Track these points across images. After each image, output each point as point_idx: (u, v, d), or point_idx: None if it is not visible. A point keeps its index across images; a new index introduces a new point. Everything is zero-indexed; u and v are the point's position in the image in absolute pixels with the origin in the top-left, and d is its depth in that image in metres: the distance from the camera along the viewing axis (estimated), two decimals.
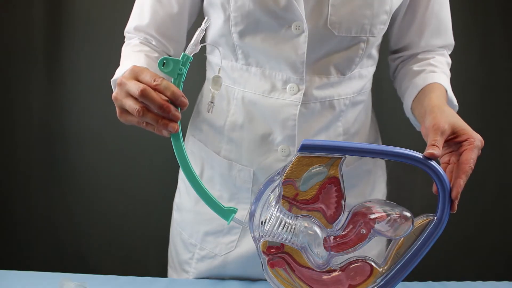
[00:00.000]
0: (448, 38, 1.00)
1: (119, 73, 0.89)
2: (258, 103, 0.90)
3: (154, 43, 0.95)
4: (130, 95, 0.69)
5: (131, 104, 0.69)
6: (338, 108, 0.92)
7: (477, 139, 0.74)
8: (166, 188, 1.26)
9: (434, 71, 0.95)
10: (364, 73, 0.95)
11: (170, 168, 1.23)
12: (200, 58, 1.02)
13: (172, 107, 0.68)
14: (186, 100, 0.69)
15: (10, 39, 1.60)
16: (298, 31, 0.84)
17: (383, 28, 0.89)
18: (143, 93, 0.67)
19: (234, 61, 0.91)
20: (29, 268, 0.94)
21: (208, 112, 0.73)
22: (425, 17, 0.95)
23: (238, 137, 0.94)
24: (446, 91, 0.91)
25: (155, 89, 0.68)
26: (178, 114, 0.69)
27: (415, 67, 0.98)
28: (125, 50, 0.96)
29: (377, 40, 0.91)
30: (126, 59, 0.92)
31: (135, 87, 0.67)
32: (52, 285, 0.83)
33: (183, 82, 0.70)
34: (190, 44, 0.71)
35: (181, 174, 1.08)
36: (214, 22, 0.91)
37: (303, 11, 0.83)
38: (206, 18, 0.72)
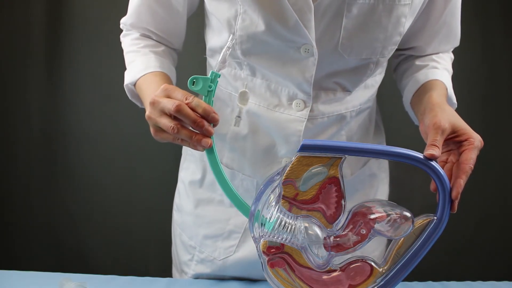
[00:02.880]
0: (456, 42, 0.98)
1: (130, 77, 0.89)
2: (262, 115, 0.88)
3: (154, 38, 0.94)
4: (164, 113, 0.71)
5: (165, 122, 0.71)
6: (345, 120, 0.91)
7: (477, 139, 0.73)
8: (166, 188, 1.26)
9: (436, 67, 0.93)
10: (372, 83, 0.93)
11: (170, 168, 1.23)
12: (200, 60, 1.02)
13: (205, 122, 0.70)
14: (217, 116, 0.71)
15: (9, 39, 1.60)
16: (307, 54, 0.81)
17: (394, 48, 0.86)
18: (178, 109, 0.69)
19: (239, 69, 0.88)
20: (29, 268, 0.94)
21: (235, 125, 0.75)
22: (436, 27, 0.92)
23: (241, 147, 0.92)
24: (447, 88, 0.90)
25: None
26: (211, 129, 0.71)
27: (417, 62, 0.96)
28: (127, 44, 0.95)
29: (386, 59, 0.89)
30: (133, 59, 0.91)
31: (170, 104, 0.69)
32: (52, 285, 0.83)
33: (213, 98, 0.72)
34: (218, 61, 0.72)
35: (181, 175, 1.07)
36: (218, 34, 0.88)
37: (313, 35, 0.79)
38: (231, 35, 0.74)
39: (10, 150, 1.67)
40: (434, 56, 0.96)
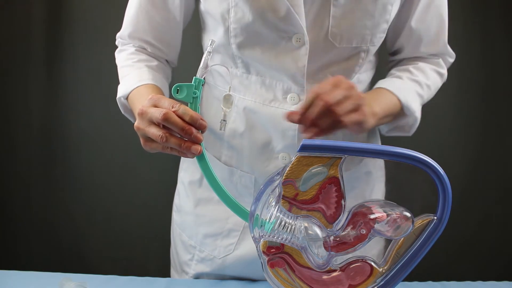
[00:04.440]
0: (439, 47, 0.98)
1: (123, 90, 0.89)
2: (258, 111, 0.89)
3: (149, 49, 0.95)
4: (152, 122, 0.71)
5: (154, 132, 0.71)
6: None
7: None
8: (166, 189, 1.26)
9: (400, 77, 0.94)
10: (363, 78, 0.94)
11: (170, 168, 1.23)
12: (198, 62, 1.02)
13: (193, 129, 0.69)
14: (205, 123, 0.70)
15: (10, 39, 1.60)
16: (299, 43, 0.83)
17: (383, 36, 0.89)
18: (165, 117, 0.69)
19: (234, 68, 0.90)
20: (29, 268, 0.94)
21: (221, 130, 0.74)
22: (415, 24, 0.93)
23: (238, 144, 0.93)
24: (396, 97, 0.89)
25: None
26: (200, 135, 0.70)
27: (393, 71, 0.98)
28: (121, 59, 0.95)
29: (376, 48, 0.90)
30: (127, 73, 0.92)
31: (157, 113, 0.69)
32: (52, 285, 0.83)
33: (199, 104, 0.71)
34: (199, 67, 0.72)
35: (181, 176, 1.07)
36: (213, 32, 0.90)
37: (304, 23, 0.82)
38: (211, 40, 0.73)
39: (10, 150, 1.67)
40: (411, 67, 0.96)
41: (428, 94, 0.96)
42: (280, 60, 0.85)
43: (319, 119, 0.75)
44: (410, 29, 0.94)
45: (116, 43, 0.99)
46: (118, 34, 0.98)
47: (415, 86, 0.93)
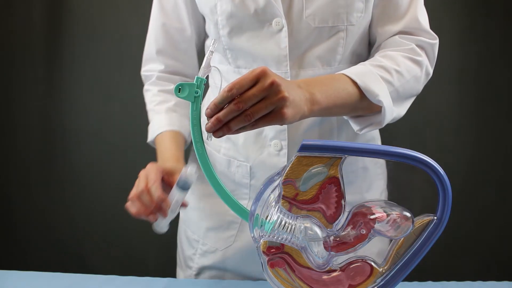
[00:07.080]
0: (410, 22, 0.90)
1: (149, 136, 1.01)
2: None
3: (169, 68, 1.01)
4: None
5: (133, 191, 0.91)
6: None
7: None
8: None
9: (363, 64, 0.87)
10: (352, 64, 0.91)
11: None
12: (199, 62, 1.03)
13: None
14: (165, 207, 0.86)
15: (10, 39, 1.60)
16: (278, 26, 0.88)
17: (361, 16, 0.88)
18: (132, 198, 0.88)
19: (228, 64, 0.94)
20: (29, 268, 0.94)
21: (207, 139, 0.72)
22: (382, 1, 0.90)
23: (234, 136, 0.97)
24: (357, 82, 0.81)
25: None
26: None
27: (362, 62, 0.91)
28: (147, 101, 1.05)
29: (358, 29, 0.90)
30: (151, 118, 1.03)
31: (136, 187, 0.90)
32: (52, 285, 0.83)
33: (200, 104, 0.71)
34: (202, 66, 0.73)
35: None
36: (208, 30, 0.97)
37: (280, 7, 0.87)
38: (213, 39, 0.74)
39: (10, 151, 1.67)
40: (378, 56, 0.89)
41: (401, 81, 0.86)
42: (264, 45, 0.89)
43: (230, 120, 0.70)
44: (377, 7, 0.90)
45: (143, 79, 1.06)
46: (144, 57, 1.04)
47: (379, 71, 0.84)
